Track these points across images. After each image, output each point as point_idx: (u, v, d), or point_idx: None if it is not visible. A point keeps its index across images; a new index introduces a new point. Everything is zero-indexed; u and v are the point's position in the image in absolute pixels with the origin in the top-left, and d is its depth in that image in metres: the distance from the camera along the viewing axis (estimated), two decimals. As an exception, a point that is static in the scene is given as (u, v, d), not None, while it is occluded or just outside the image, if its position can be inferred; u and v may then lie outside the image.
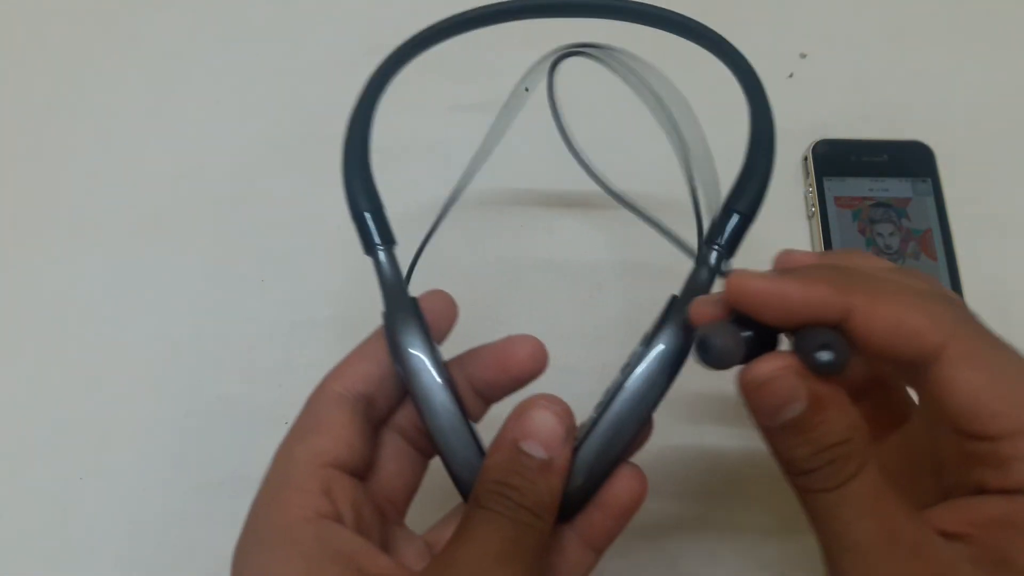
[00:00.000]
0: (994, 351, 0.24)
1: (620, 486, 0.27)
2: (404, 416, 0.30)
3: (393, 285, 0.30)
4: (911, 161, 0.46)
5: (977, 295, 0.43)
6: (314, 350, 0.43)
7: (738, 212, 0.28)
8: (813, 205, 0.45)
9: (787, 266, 0.29)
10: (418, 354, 0.28)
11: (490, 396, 0.31)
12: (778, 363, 0.24)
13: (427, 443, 0.30)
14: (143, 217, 0.47)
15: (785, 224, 0.46)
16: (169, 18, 0.53)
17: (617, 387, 0.27)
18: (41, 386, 0.43)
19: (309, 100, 0.49)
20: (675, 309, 0.28)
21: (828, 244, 0.43)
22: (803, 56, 0.50)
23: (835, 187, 0.45)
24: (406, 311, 0.29)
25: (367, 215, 0.30)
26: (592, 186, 0.47)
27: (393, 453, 0.30)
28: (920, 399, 0.27)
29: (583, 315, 0.44)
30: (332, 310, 0.44)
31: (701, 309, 0.26)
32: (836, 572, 0.24)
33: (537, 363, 0.29)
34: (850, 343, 0.24)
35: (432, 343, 0.29)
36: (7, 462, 0.41)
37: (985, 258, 0.44)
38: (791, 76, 0.50)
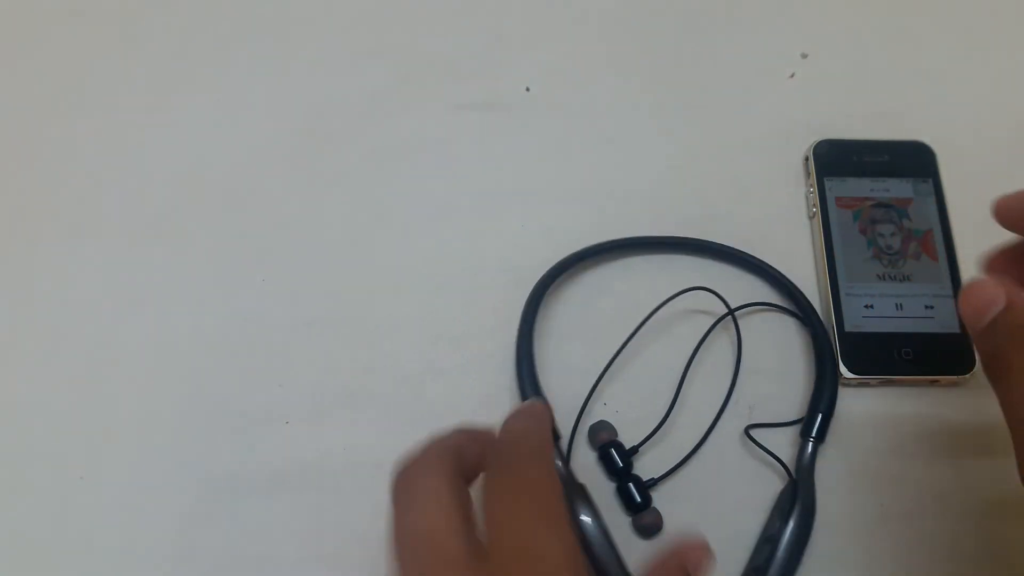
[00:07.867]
0: None
1: None
2: None
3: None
4: (912, 161, 0.46)
5: (978, 295, 0.42)
6: (314, 350, 0.43)
7: (822, 412, 0.39)
8: (814, 205, 0.45)
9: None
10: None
11: None
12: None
13: None
14: (143, 217, 0.47)
15: (786, 224, 0.46)
16: (170, 18, 0.53)
17: (766, 560, 0.35)
18: (41, 386, 0.42)
19: (309, 100, 0.49)
20: (800, 489, 0.36)
21: (829, 244, 0.43)
22: (804, 56, 0.50)
23: (836, 187, 0.45)
24: (578, 497, 0.36)
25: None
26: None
27: None
28: None
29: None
30: (332, 310, 0.44)
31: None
32: None
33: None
34: None
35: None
36: (7, 462, 0.41)
37: (986, 258, 0.44)
38: (792, 76, 0.50)
